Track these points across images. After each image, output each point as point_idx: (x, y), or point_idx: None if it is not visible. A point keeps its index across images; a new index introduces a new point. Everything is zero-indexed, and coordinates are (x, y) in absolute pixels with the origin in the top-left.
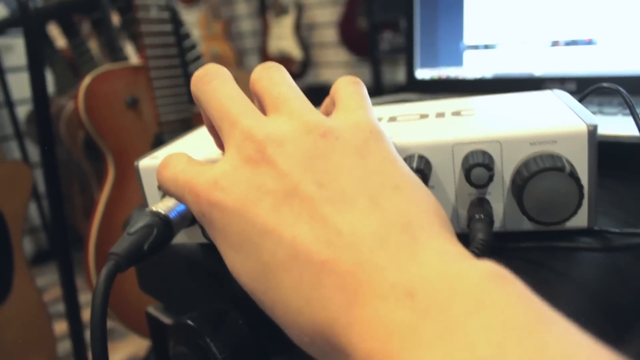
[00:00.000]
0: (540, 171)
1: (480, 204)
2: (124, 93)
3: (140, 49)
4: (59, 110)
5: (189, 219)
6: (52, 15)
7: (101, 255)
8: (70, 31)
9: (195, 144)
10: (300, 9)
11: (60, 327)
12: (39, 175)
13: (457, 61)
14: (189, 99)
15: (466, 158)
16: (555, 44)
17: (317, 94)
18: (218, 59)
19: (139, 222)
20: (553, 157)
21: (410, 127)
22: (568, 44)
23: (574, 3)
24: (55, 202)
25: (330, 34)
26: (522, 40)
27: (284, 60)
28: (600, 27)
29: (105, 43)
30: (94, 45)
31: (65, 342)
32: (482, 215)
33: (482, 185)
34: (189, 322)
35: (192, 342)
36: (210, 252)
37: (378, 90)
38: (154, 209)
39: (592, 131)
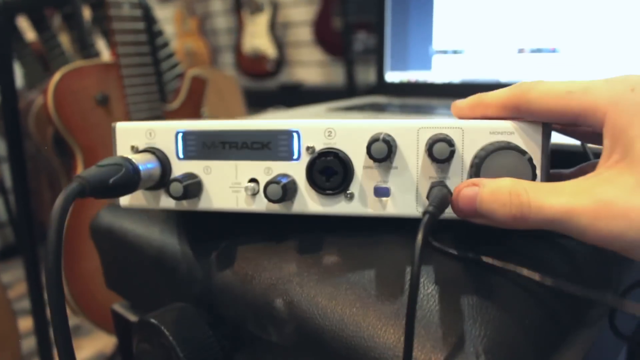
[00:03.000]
0: (498, 149)
1: (439, 185)
2: (94, 90)
3: (111, 45)
4: (28, 105)
5: (154, 180)
6: (22, 9)
7: (69, 253)
8: (40, 25)
9: None
10: (275, 7)
11: (25, 323)
12: (5, 170)
13: (426, 65)
14: (160, 96)
15: (430, 138)
16: (521, 51)
17: (291, 93)
18: (192, 56)
19: (111, 160)
20: (509, 143)
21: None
22: (533, 51)
23: (539, 12)
24: (21, 198)
25: (304, 33)
26: (490, 47)
27: (258, 58)
28: (563, 36)
29: (76, 38)
30: (64, 40)
31: (30, 340)
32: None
33: (443, 160)
34: (153, 320)
35: (156, 340)
36: (174, 251)
37: (351, 90)
38: (127, 156)
39: (547, 126)
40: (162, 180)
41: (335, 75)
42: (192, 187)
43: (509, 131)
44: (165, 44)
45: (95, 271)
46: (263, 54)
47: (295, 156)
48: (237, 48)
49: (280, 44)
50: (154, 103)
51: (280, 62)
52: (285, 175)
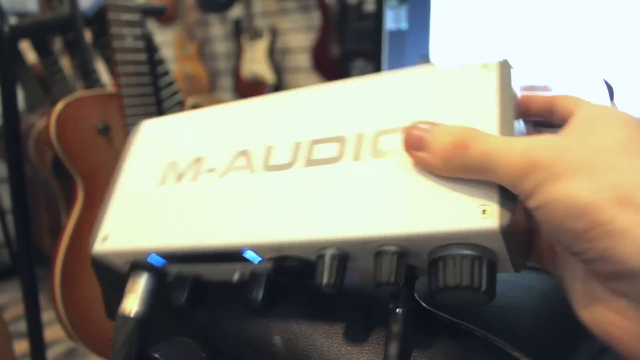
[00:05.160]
0: (452, 288)
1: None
2: (95, 119)
3: (114, 76)
4: (28, 128)
5: (155, 293)
6: (25, 34)
7: (68, 278)
8: (43, 50)
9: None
10: (274, 33)
11: (19, 346)
12: (3, 192)
13: None
14: None
15: (377, 260)
16: None
17: None
18: (191, 79)
19: (120, 335)
20: (468, 261)
21: (320, 194)
22: (526, 89)
23: (530, 53)
24: (21, 220)
25: (303, 59)
26: None
27: (257, 83)
28: (554, 74)
29: (78, 64)
30: (65, 63)
31: None
32: (399, 310)
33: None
34: (155, 355)
35: None
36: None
37: None
38: (125, 313)
39: (506, 228)
40: (163, 278)
41: None
42: (191, 289)
43: (463, 237)
44: (166, 72)
45: (93, 297)
46: (261, 79)
47: (258, 260)
48: (235, 73)
49: (278, 69)
50: None
51: (279, 87)
52: (260, 277)
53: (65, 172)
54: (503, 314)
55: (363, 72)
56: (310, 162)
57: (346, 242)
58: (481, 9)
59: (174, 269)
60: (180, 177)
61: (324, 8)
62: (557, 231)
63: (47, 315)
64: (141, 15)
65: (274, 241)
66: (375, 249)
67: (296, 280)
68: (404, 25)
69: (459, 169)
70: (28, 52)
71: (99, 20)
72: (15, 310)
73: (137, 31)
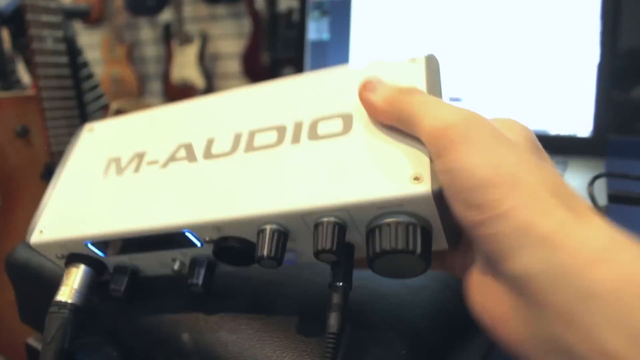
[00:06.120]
0: (388, 253)
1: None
2: (13, 122)
3: (33, 78)
4: None
5: (96, 276)
6: None
7: None
8: None
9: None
10: (204, 39)
11: None
12: None
13: None
14: None
15: (317, 230)
16: None
17: None
18: (119, 83)
19: (52, 326)
20: (403, 226)
21: (260, 174)
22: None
23: (444, 65)
24: None
25: (233, 65)
26: None
27: (187, 88)
28: (465, 86)
29: None
30: None
31: None
32: (340, 283)
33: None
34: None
35: None
36: None
37: None
38: (60, 299)
39: (437, 193)
40: (101, 271)
41: None
42: (130, 279)
43: (397, 204)
44: (90, 76)
45: (7, 300)
46: (192, 84)
47: (199, 244)
48: (165, 77)
49: (209, 74)
50: None
51: (209, 93)
52: (201, 262)
53: None
54: (397, 311)
55: None
56: (251, 148)
57: (284, 215)
58: (400, 22)
59: (112, 261)
60: (122, 170)
61: (254, 15)
62: (456, 199)
63: None
64: (63, 17)
65: (213, 219)
66: (315, 221)
67: (237, 263)
68: (325, 35)
69: (397, 114)
70: None
71: (16, 19)
72: None
73: (59, 33)
